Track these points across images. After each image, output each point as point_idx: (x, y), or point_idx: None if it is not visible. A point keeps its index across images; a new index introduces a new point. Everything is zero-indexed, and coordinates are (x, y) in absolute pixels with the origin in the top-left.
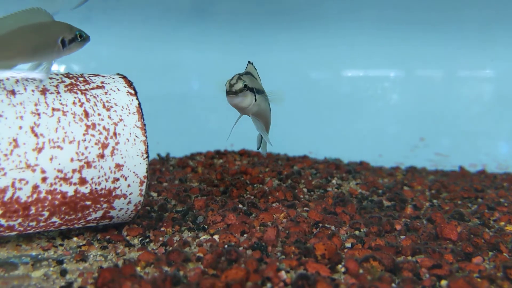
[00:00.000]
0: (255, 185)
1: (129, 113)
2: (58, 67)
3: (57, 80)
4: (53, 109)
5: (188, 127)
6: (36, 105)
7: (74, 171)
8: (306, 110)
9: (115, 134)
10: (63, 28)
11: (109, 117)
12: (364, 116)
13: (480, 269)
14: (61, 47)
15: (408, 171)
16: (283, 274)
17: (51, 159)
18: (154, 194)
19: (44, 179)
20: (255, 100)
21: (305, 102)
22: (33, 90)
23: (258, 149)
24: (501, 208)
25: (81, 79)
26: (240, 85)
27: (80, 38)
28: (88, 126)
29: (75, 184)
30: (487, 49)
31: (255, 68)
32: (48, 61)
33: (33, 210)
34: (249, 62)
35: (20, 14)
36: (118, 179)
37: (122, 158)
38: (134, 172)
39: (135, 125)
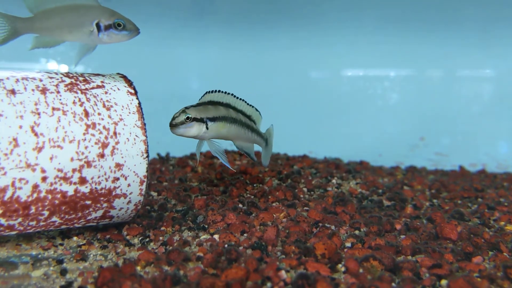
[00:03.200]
0: (255, 185)
1: (129, 112)
2: (58, 67)
3: (57, 79)
4: (53, 109)
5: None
6: (36, 104)
7: (74, 170)
8: (306, 110)
9: (115, 133)
10: (102, 12)
11: (109, 116)
12: (364, 116)
13: (480, 269)
14: (96, 31)
15: (408, 170)
16: (283, 273)
17: (51, 158)
18: (154, 194)
19: (44, 179)
20: (207, 128)
21: (305, 102)
22: (33, 90)
23: (254, 160)
24: (501, 208)
25: (81, 78)
26: (181, 118)
27: (118, 26)
28: (88, 126)
29: (75, 183)
30: (487, 49)
31: (225, 93)
32: (84, 42)
33: (33, 209)
34: (214, 91)
35: None
36: (118, 179)
37: (122, 157)
38: (134, 171)
39: (135, 124)
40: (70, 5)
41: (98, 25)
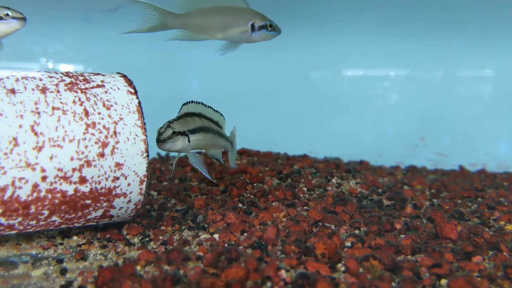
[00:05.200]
0: (255, 184)
1: (129, 112)
2: (57, 67)
3: (57, 79)
4: (53, 108)
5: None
6: (36, 104)
7: (74, 170)
8: (306, 110)
9: (115, 133)
10: (256, 15)
11: (109, 116)
12: (364, 116)
13: (480, 268)
14: (250, 31)
15: (408, 170)
16: (283, 273)
17: (51, 158)
18: (154, 193)
19: (44, 178)
20: (189, 141)
21: (305, 102)
22: (33, 89)
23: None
24: (501, 208)
25: (81, 78)
26: (168, 133)
27: (270, 27)
28: (88, 125)
29: (75, 183)
30: (487, 49)
31: (198, 103)
32: (234, 41)
33: (33, 209)
34: (188, 102)
35: None
36: (118, 178)
37: (122, 157)
38: (134, 171)
39: (135, 124)
40: (225, 7)
41: (252, 26)
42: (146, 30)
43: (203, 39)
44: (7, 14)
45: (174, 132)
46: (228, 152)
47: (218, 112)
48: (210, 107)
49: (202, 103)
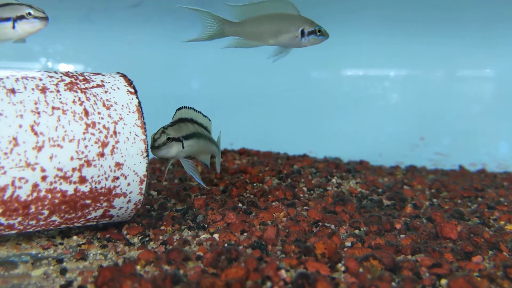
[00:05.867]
0: (254, 184)
1: (129, 111)
2: (57, 67)
3: (57, 78)
4: (53, 108)
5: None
6: (36, 103)
7: (74, 169)
8: (306, 110)
9: (115, 132)
10: (305, 21)
11: (109, 115)
12: (364, 115)
13: (480, 268)
14: (300, 37)
15: (408, 170)
16: (283, 273)
17: (51, 157)
18: (154, 193)
19: (44, 178)
20: (183, 147)
21: (305, 101)
22: (33, 89)
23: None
24: (501, 207)
25: (81, 77)
26: (163, 139)
27: (319, 32)
28: (88, 125)
29: (75, 182)
30: (487, 49)
31: (189, 108)
32: (284, 46)
33: (33, 208)
34: (181, 107)
35: (269, 3)
36: (118, 178)
37: (122, 156)
38: (134, 170)
39: (135, 123)
40: (277, 14)
41: (302, 32)
42: (206, 38)
43: (257, 46)
44: (29, 13)
45: (169, 138)
46: (214, 157)
47: (207, 117)
48: (200, 112)
49: (193, 108)
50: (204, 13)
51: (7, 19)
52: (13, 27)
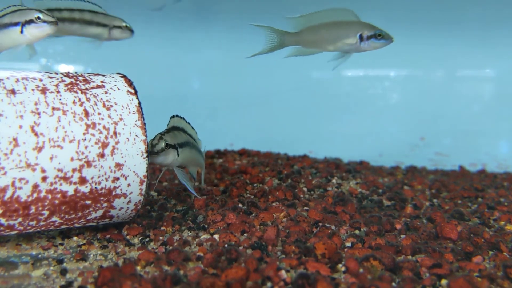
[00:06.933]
0: (255, 185)
1: (129, 112)
2: (58, 67)
3: (57, 79)
4: (53, 108)
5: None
6: (36, 104)
7: (74, 170)
8: (306, 110)
9: (115, 133)
10: (364, 26)
11: (109, 116)
12: (365, 116)
13: (480, 268)
14: (358, 42)
15: (408, 170)
16: (283, 273)
17: (51, 158)
18: (154, 194)
19: (44, 178)
20: (178, 155)
21: (305, 102)
22: (33, 89)
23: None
24: (501, 208)
25: (81, 78)
26: (161, 145)
27: (379, 36)
28: (88, 126)
29: (75, 183)
30: (487, 49)
31: (181, 118)
32: (344, 52)
33: (33, 209)
34: (174, 116)
35: (327, 12)
36: (118, 179)
37: (122, 157)
38: (134, 171)
39: (135, 124)
40: (334, 22)
41: (361, 37)
42: (268, 51)
43: (316, 53)
44: (39, 18)
45: (167, 145)
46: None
47: (194, 129)
48: (189, 123)
49: (184, 118)
50: (265, 28)
51: (16, 24)
52: (21, 31)
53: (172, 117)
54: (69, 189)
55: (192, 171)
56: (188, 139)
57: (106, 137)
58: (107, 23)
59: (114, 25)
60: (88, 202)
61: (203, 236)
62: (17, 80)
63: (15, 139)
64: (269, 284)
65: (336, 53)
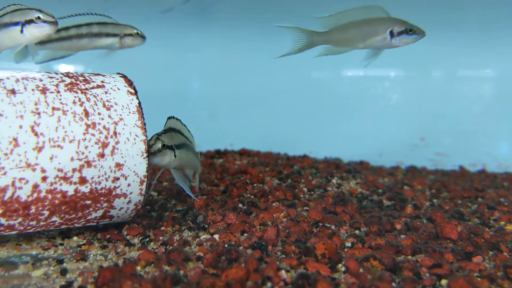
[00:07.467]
0: (255, 185)
1: (129, 112)
2: (58, 67)
3: (57, 79)
4: (53, 108)
5: (188, 127)
6: (36, 104)
7: (74, 170)
8: (307, 110)
9: (115, 133)
10: (395, 22)
11: (109, 116)
12: (365, 116)
13: (480, 269)
14: (389, 38)
15: (408, 170)
16: (283, 273)
17: (51, 158)
18: (154, 194)
19: (44, 178)
20: (175, 156)
21: (305, 102)
22: (33, 89)
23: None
24: (501, 208)
25: (81, 78)
26: (158, 145)
27: (410, 31)
28: (88, 126)
29: (75, 183)
30: (487, 49)
31: (177, 119)
32: (374, 48)
33: (33, 209)
34: (171, 117)
35: (356, 10)
36: (118, 179)
37: (122, 157)
38: (134, 171)
39: (135, 124)
40: (363, 19)
41: (392, 33)
42: (296, 51)
43: (346, 51)
44: (39, 17)
45: (164, 145)
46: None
47: (190, 132)
48: (185, 125)
49: (180, 120)
50: (293, 29)
51: (16, 24)
52: (21, 31)
53: (169, 118)
54: (69, 189)
55: (188, 173)
56: (185, 141)
57: (106, 137)
58: (118, 32)
59: (125, 33)
60: (88, 202)
61: (203, 236)
62: (17, 80)
63: (15, 139)
64: (269, 284)
65: (367, 51)
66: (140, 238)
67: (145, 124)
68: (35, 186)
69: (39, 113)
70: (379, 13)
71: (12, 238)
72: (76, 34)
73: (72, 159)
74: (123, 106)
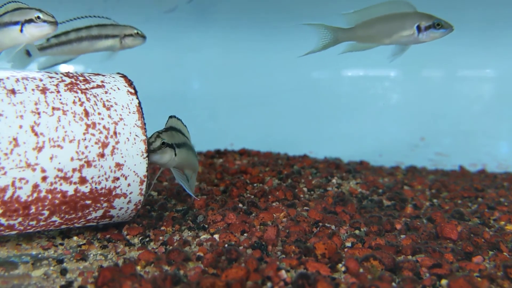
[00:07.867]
0: (255, 185)
1: (129, 112)
2: (58, 67)
3: (57, 79)
4: (53, 108)
5: (188, 127)
6: (36, 104)
7: (74, 170)
8: (307, 110)
9: (115, 133)
10: (421, 16)
11: (109, 116)
12: (365, 116)
13: (480, 268)
14: (416, 33)
15: (408, 170)
16: (283, 273)
17: (51, 158)
18: (154, 193)
19: (44, 178)
20: (175, 155)
21: (305, 102)
22: (33, 89)
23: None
24: (501, 208)
25: (81, 78)
26: (158, 143)
27: (438, 26)
28: (88, 125)
29: (75, 183)
30: (488, 49)
31: (178, 119)
32: (401, 44)
33: (33, 209)
34: (172, 116)
35: (382, 6)
36: (118, 178)
37: (122, 157)
38: (134, 171)
39: (135, 124)
40: (389, 14)
41: (419, 27)
42: (321, 48)
43: (372, 47)
44: (39, 17)
45: (163, 143)
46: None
47: (189, 133)
48: (186, 126)
49: (181, 120)
50: (317, 26)
51: (16, 23)
52: (21, 31)
53: (170, 117)
54: (69, 189)
55: (188, 174)
56: (185, 140)
57: (106, 137)
58: (118, 33)
59: (125, 34)
60: (88, 202)
61: (203, 236)
62: (17, 80)
63: (15, 139)
64: (269, 284)
65: (394, 47)
66: (140, 238)
67: (145, 124)
68: (35, 186)
69: (39, 113)
70: (406, 7)
71: (12, 238)
72: (76, 38)
73: (72, 159)
74: (123, 106)
